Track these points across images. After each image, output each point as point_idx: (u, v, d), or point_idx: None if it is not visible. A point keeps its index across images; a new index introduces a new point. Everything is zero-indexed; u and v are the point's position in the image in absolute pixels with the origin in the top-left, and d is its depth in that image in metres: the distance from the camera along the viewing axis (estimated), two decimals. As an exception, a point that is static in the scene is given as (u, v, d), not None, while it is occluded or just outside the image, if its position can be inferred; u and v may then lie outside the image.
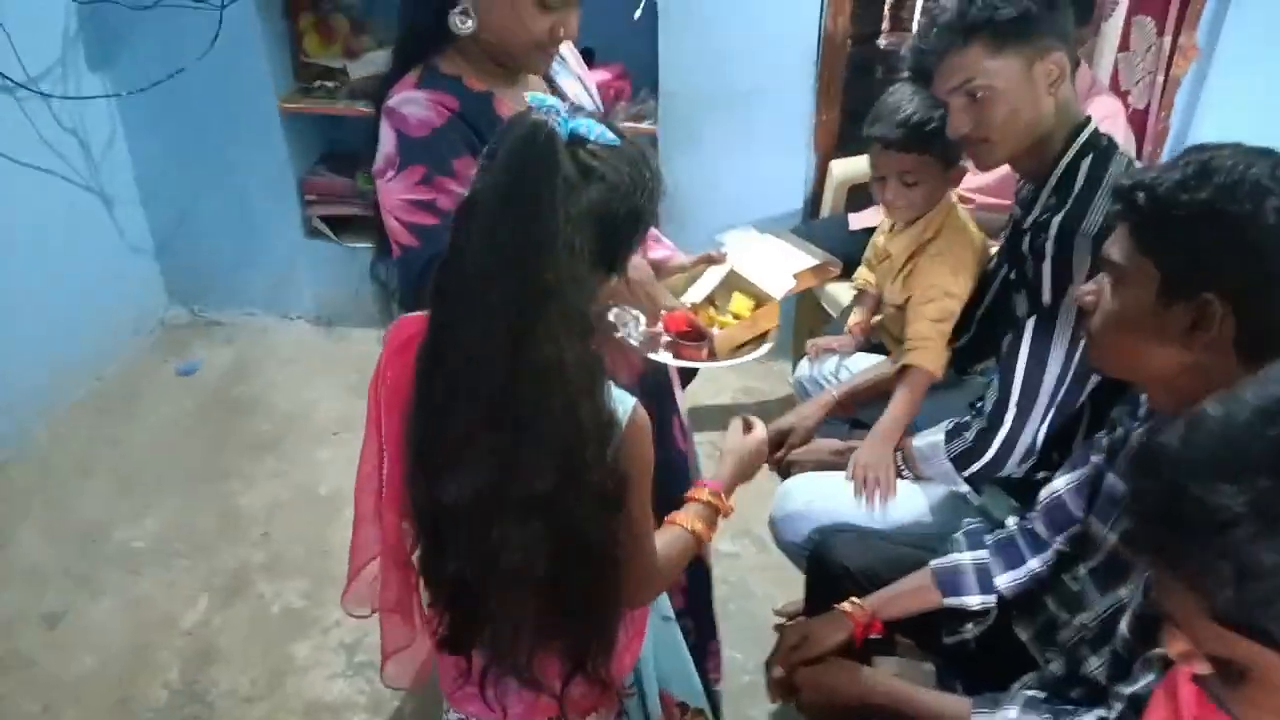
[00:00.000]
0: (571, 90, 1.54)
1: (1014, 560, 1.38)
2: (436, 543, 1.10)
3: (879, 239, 1.88)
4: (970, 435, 1.51)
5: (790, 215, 2.83)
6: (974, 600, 1.39)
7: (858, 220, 2.50)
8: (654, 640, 1.35)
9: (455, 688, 1.22)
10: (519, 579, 1.03)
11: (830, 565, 1.54)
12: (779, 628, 1.82)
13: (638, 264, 1.46)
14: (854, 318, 2.02)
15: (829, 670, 1.36)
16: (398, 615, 1.23)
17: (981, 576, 1.39)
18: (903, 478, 1.64)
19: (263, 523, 2.43)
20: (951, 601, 1.40)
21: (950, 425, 1.56)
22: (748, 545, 2.34)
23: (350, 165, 2.96)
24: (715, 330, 1.54)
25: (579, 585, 1.05)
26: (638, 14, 2.54)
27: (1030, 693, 1.24)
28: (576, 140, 0.98)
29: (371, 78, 2.76)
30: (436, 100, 1.31)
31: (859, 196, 2.58)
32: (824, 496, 1.65)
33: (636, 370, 1.63)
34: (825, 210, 2.71)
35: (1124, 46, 2.39)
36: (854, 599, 1.43)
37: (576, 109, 1.03)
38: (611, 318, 1.44)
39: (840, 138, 2.75)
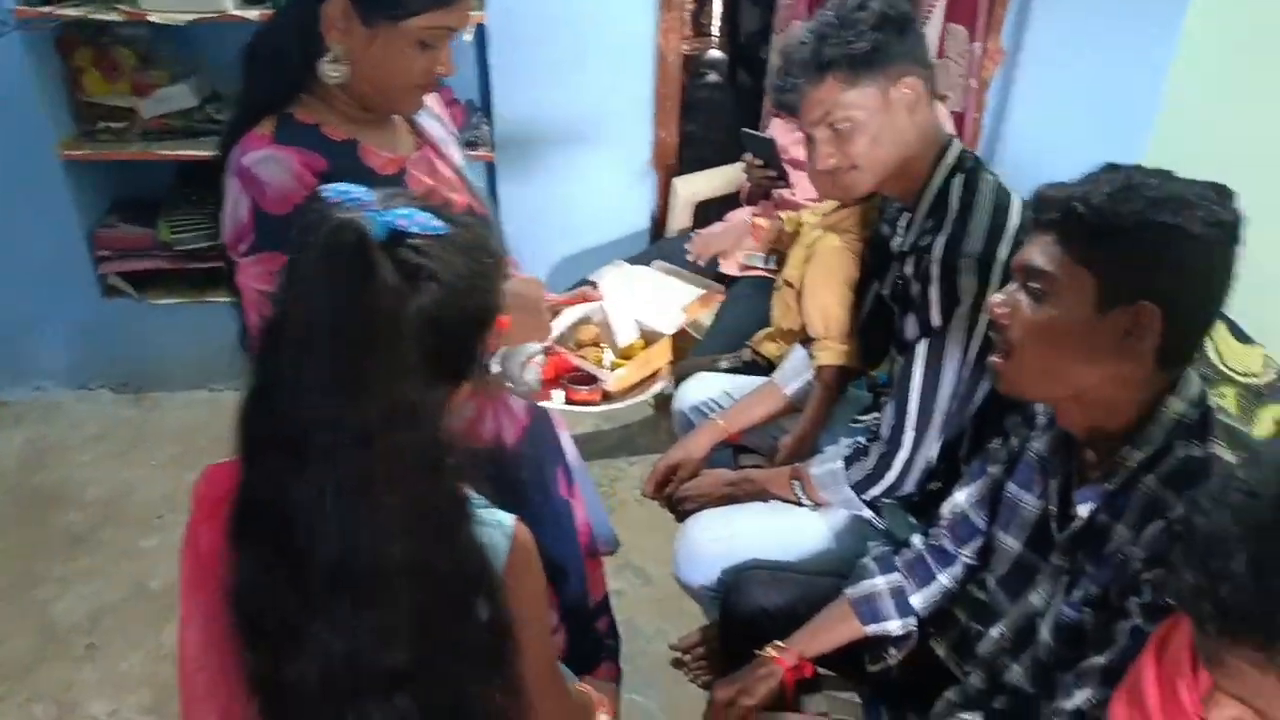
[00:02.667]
0: (435, 133, 1.41)
1: (926, 578, 1.38)
2: None
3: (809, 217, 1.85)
4: (870, 460, 1.50)
5: (637, 235, 2.79)
6: (895, 625, 1.38)
7: (702, 245, 2.44)
8: None
9: None
10: None
11: (745, 607, 1.49)
12: (676, 663, 1.77)
13: (523, 289, 1.32)
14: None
15: None
16: None
17: (898, 599, 1.38)
18: (803, 505, 1.61)
19: (86, 632, 2.12)
20: (873, 629, 1.38)
21: (848, 451, 1.55)
22: (631, 579, 2.27)
23: (148, 214, 2.65)
24: (608, 371, 1.46)
25: None
26: (468, 36, 2.42)
27: (967, 717, 1.24)
28: (395, 237, 0.82)
29: (172, 115, 2.50)
30: (301, 160, 1.14)
31: (707, 212, 2.57)
32: (728, 535, 1.60)
33: (521, 424, 1.52)
34: (673, 230, 2.68)
35: (940, 54, 2.50)
36: (777, 643, 1.39)
37: (394, 195, 0.86)
38: (497, 362, 1.32)
39: (681, 155, 2.73)
